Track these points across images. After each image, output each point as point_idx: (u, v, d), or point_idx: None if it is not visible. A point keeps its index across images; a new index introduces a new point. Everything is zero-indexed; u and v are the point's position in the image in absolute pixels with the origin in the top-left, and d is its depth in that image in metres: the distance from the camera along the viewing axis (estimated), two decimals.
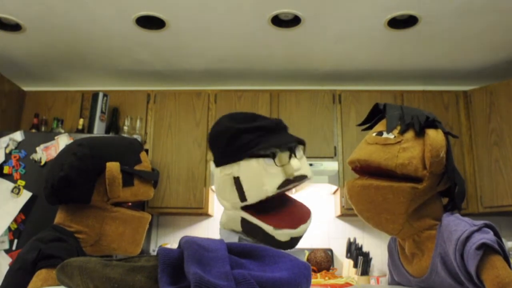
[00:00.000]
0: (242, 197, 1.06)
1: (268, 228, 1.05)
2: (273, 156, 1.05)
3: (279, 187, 1.04)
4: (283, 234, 1.04)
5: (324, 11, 2.76)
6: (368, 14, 2.78)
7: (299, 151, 1.10)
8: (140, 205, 3.25)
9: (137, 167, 1.29)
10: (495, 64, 3.48)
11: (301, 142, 1.09)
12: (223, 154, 1.08)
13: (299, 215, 1.08)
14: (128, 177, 1.26)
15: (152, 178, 1.32)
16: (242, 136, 1.05)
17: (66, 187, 1.21)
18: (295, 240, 1.07)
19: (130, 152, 1.30)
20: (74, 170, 1.20)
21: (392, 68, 3.57)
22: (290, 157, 1.05)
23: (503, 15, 2.78)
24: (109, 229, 1.25)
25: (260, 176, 1.04)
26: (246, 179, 1.05)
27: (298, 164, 1.05)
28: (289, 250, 1.15)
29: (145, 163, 1.32)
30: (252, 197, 1.05)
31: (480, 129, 3.37)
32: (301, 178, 1.07)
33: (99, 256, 1.29)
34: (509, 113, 3.24)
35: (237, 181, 1.06)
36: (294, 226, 1.05)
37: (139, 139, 3.38)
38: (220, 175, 1.09)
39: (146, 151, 3.43)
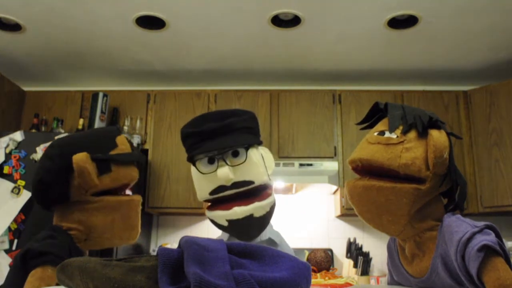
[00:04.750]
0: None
1: (207, 212, 1.11)
2: (193, 164, 1.10)
3: (212, 193, 1.08)
4: (217, 217, 1.08)
5: (324, 11, 2.76)
6: (368, 14, 2.78)
7: (229, 157, 1.09)
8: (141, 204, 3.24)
9: (112, 152, 1.25)
10: (495, 64, 3.48)
11: (217, 149, 1.07)
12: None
13: (238, 200, 1.08)
14: (103, 164, 1.22)
15: (130, 159, 1.27)
16: (187, 140, 1.12)
17: (42, 190, 1.22)
18: (235, 224, 1.07)
19: (102, 139, 1.27)
20: (46, 172, 1.21)
21: (392, 68, 3.57)
22: (218, 164, 1.08)
23: (503, 15, 2.78)
24: (97, 219, 1.22)
25: (196, 181, 1.12)
26: (193, 180, 1.15)
27: (224, 172, 1.05)
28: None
29: (122, 145, 1.28)
30: (198, 197, 1.14)
31: (480, 129, 3.37)
32: (243, 185, 1.07)
33: (96, 252, 1.29)
34: (509, 113, 3.24)
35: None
36: (226, 208, 1.07)
37: (139, 139, 3.39)
38: None
39: (146, 151, 3.43)
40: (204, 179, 1.09)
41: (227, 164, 1.07)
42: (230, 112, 1.14)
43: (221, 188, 1.07)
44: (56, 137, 2.93)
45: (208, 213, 1.11)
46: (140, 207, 1.31)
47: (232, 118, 1.11)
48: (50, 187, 1.21)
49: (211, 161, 1.09)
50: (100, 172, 1.21)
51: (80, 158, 1.19)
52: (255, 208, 1.06)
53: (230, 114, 1.13)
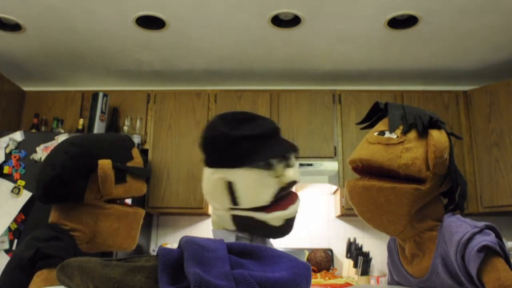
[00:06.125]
0: (234, 201, 1.08)
1: (259, 215, 1.07)
2: (270, 167, 1.07)
3: (274, 196, 1.07)
4: (275, 218, 1.06)
5: (324, 11, 2.76)
6: (368, 14, 2.78)
7: (292, 158, 1.12)
8: (141, 204, 3.25)
9: (129, 164, 1.29)
10: (495, 64, 3.48)
11: (296, 149, 1.11)
12: (220, 159, 1.08)
13: (286, 199, 1.10)
14: (121, 174, 1.26)
15: (145, 174, 1.32)
16: (241, 144, 1.06)
17: (58, 187, 1.21)
18: (289, 223, 1.09)
19: (121, 149, 1.30)
20: (66, 169, 1.20)
21: (392, 68, 3.57)
22: (286, 166, 1.09)
23: (503, 15, 2.78)
24: (104, 225, 1.25)
25: (257, 187, 1.06)
26: (242, 187, 1.06)
27: (293, 173, 1.08)
28: (289, 251, 1.15)
29: (137, 159, 1.32)
30: (245, 204, 1.07)
31: (480, 129, 3.37)
32: (292, 184, 1.11)
33: (96, 254, 1.29)
34: (509, 113, 3.24)
35: (230, 186, 1.07)
36: (284, 208, 1.07)
37: (139, 139, 3.38)
38: (212, 177, 1.09)
39: (146, 151, 3.43)
40: (268, 182, 1.07)
41: (293, 164, 1.11)
42: (252, 113, 1.15)
43: (282, 189, 1.08)
44: (57, 137, 2.94)
45: (265, 216, 1.07)
46: (142, 221, 1.35)
47: (265, 120, 1.14)
48: (67, 185, 1.21)
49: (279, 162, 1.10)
50: (116, 181, 1.25)
51: (107, 165, 1.22)
52: (299, 204, 1.12)
53: (256, 116, 1.15)
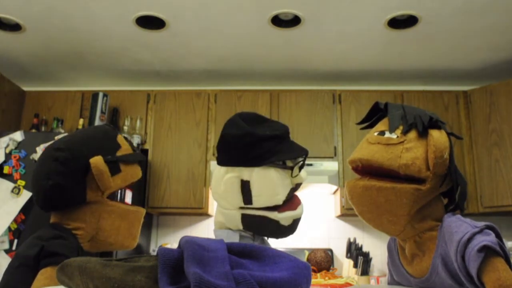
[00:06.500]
0: (248, 200, 1.08)
1: (272, 214, 1.08)
2: (288, 167, 1.10)
3: (287, 196, 1.10)
4: (286, 217, 1.09)
5: (324, 11, 2.76)
6: (368, 14, 2.78)
7: (304, 161, 1.16)
8: (141, 204, 3.24)
9: (118, 153, 1.30)
10: (495, 64, 3.48)
11: (307, 153, 1.15)
12: (238, 157, 1.08)
13: (293, 199, 1.14)
14: (114, 166, 1.27)
15: (137, 158, 1.34)
16: (263, 143, 1.07)
17: (59, 194, 1.22)
18: (296, 223, 1.12)
19: (107, 140, 1.31)
20: (61, 176, 1.21)
21: (392, 68, 3.57)
22: (300, 168, 1.13)
23: (503, 15, 2.78)
24: (106, 223, 1.26)
25: (276, 185, 1.08)
26: (259, 185, 1.07)
27: (304, 174, 1.13)
28: (289, 251, 1.16)
29: (124, 146, 1.33)
30: (259, 203, 1.08)
31: (480, 129, 3.37)
32: (300, 185, 1.16)
33: (98, 253, 1.30)
34: (509, 113, 3.24)
35: (245, 185, 1.08)
36: (293, 208, 1.11)
37: (139, 139, 3.39)
38: (227, 175, 1.09)
39: (146, 151, 3.43)
40: (284, 182, 1.09)
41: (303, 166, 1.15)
42: (261, 115, 1.19)
43: (292, 190, 1.12)
44: (57, 137, 2.93)
45: (278, 215, 1.09)
46: (142, 220, 1.37)
47: (275, 122, 1.18)
48: (68, 190, 1.21)
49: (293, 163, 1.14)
50: (111, 173, 1.26)
51: (99, 162, 1.22)
52: (303, 204, 1.15)
53: (265, 117, 1.18)
